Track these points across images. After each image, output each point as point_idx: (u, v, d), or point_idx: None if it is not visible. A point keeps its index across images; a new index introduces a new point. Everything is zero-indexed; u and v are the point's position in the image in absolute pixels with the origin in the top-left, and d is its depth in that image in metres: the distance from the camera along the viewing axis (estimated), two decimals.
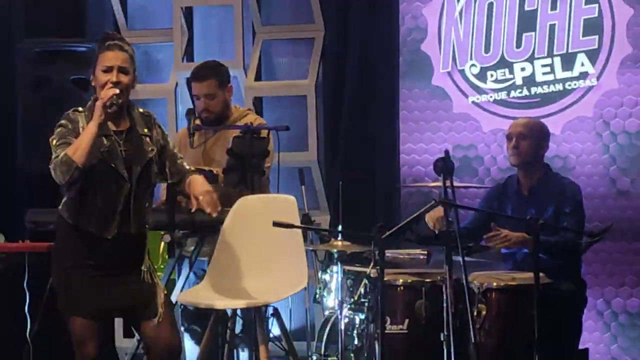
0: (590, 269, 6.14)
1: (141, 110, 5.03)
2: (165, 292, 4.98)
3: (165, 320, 4.79)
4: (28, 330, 6.56)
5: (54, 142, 4.73)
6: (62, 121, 4.80)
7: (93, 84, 4.86)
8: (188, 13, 7.56)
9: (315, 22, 7.17)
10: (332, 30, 7.18)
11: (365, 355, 5.66)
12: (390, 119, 6.81)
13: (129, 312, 4.89)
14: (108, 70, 4.74)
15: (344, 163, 7.14)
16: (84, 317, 4.72)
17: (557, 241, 5.52)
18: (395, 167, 6.81)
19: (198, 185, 4.94)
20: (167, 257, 6.00)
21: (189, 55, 7.59)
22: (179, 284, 5.99)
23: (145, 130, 4.89)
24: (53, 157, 4.69)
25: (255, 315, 5.32)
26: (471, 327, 4.99)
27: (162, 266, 5.67)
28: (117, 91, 4.71)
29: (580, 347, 5.98)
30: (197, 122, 6.12)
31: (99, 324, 4.79)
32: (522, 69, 6.45)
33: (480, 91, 6.54)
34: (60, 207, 4.85)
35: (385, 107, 6.88)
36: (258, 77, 7.36)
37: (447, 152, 5.09)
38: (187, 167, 5.01)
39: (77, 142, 4.63)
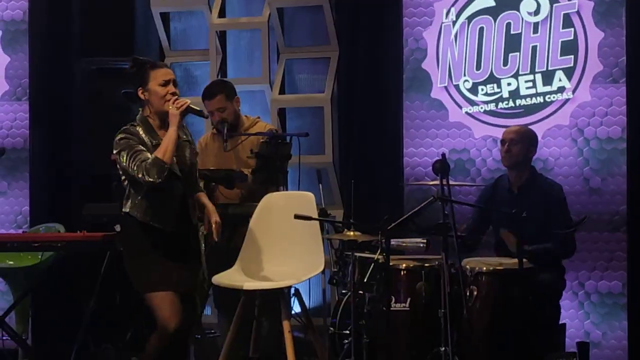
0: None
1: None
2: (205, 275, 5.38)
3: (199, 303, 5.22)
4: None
5: (127, 153, 4.90)
6: (123, 135, 4.99)
7: (144, 97, 5.04)
8: (222, 36, 7.75)
9: (331, 43, 7.35)
10: (345, 51, 7.34)
11: (374, 329, 5.81)
12: (395, 127, 7.01)
13: (186, 292, 5.09)
14: (165, 84, 4.98)
15: (355, 164, 7.28)
16: (163, 291, 4.92)
17: (547, 248, 5.83)
18: (400, 168, 6.98)
19: (212, 214, 5.18)
20: (203, 246, 5.84)
21: (222, 72, 7.70)
22: None
23: (184, 137, 5.13)
24: (134, 163, 4.87)
25: (280, 295, 5.51)
26: (464, 305, 5.34)
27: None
28: (189, 100, 5.01)
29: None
30: (212, 132, 6.36)
31: (175, 298, 4.95)
32: (508, 84, 6.69)
33: (472, 103, 6.77)
34: (127, 207, 5.03)
35: (391, 116, 7.07)
36: (282, 91, 7.52)
37: (443, 155, 5.36)
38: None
39: (163, 146, 4.86)
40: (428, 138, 6.96)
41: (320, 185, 7.00)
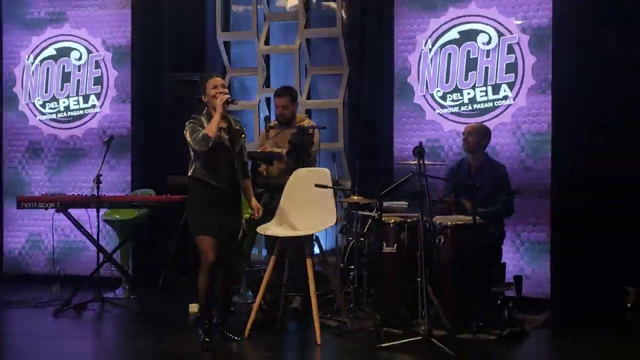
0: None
1: (233, 117, 5.44)
2: (243, 224, 5.47)
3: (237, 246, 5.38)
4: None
5: (189, 131, 5.17)
6: (192, 121, 5.25)
7: (205, 100, 5.29)
8: (266, 57, 7.80)
9: (343, 64, 7.42)
10: (354, 69, 7.40)
11: (371, 265, 6.01)
12: (389, 123, 7.01)
13: (225, 237, 5.26)
14: (215, 87, 5.17)
15: (360, 150, 7.31)
16: (206, 235, 5.14)
17: (494, 210, 5.88)
18: (391, 152, 7.02)
19: (254, 200, 5.51)
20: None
21: (266, 84, 7.77)
22: None
23: (238, 127, 5.33)
24: (192, 138, 5.13)
25: (304, 240, 5.56)
26: (434, 249, 5.55)
27: (249, 211, 5.74)
28: (229, 95, 5.23)
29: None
30: (274, 123, 6.27)
31: (214, 241, 5.14)
32: (468, 93, 6.72)
33: (442, 107, 6.79)
34: (190, 171, 5.24)
35: (386, 116, 7.06)
36: (308, 97, 7.61)
37: (420, 143, 5.51)
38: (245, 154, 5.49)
39: (209, 126, 5.12)
40: (411, 131, 6.99)
41: (334, 163, 7.02)
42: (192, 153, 5.26)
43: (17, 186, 8.08)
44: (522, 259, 6.67)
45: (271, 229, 5.65)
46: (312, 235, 5.66)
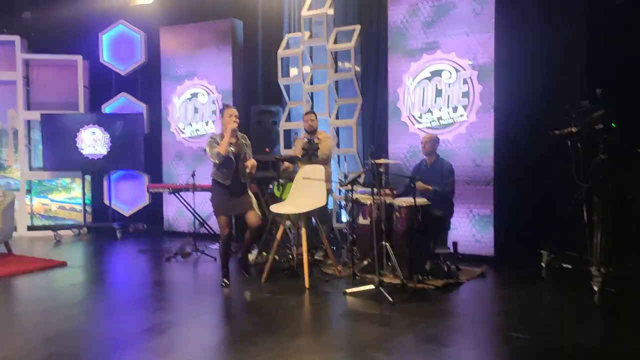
0: (463, 197, 5.72)
1: (241, 134, 4.89)
2: (255, 200, 4.90)
3: (254, 212, 4.79)
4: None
5: (209, 147, 4.73)
6: (211, 138, 4.78)
7: (222, 122, 4.78)
8: (311, 93, 7.20)
9: (357, 96, 6.75)
10: (365, 99, 6.79)
11: (354, 232, 5.36)
12: (386, 135, 6.37)
13: (242, 211, 4.82)
14: (230, 116, 4.70)
15: (366, 154, 6.74)
16: (223, 215, 4.78)
17: (441, 190, 5.21)
18: (387, 154, 6.31)
19: (250, 162, 4.72)
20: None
21: (311, 109, 7.13)
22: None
23: (244, 141, 4.82)
24: (210, 152, 4.72)
25: (302, 216, 5.01)
26: (394, 221, 4.96)
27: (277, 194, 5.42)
28: (237, 124, 4.74)
29: (453, 232, 5.64)
30: (304, 134, 5.96)
31: (229, 219, 4.79)
32: (437, 113, 6.01)
33: (420, 123, 6.10)
34: (212, 175, 4.83)
35: (384, 130, 6.46)
36: (337, 117, 6.94)
37: (371, 147, 5.31)
38: (250, 156, 4.85)
39: (221, 145, 4.68)
40: (400, 140, 6.31)
41: (345, 162, 6.66)
42: (210, 161, 4.85)
43: None
44: (474, 227, 5.87)
45: (279, 207, 5.11)
46: (306, 212, 5.05)
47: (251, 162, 4.72)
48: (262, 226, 4.90)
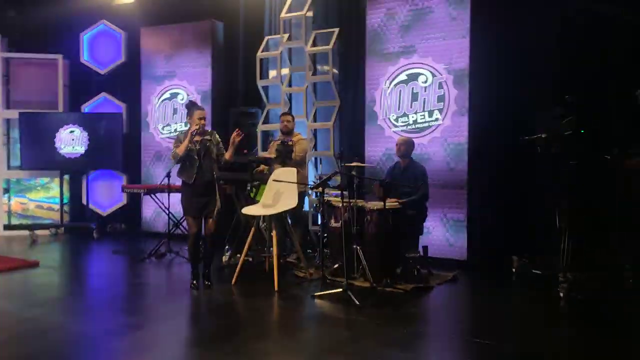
0: (436, 200, 5.65)
1: (212, 132, 4.83)
2: (219, 205, 4.75)
3: (212, 220, 4.70)
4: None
5: (174, 144, 4.71)
6: (177, 137, 4.76)
7: (188, 121, 4.73)
8: (289, 95, 7.06)
9: (336, 98, 6.56)
10: (342, 102, 6.59)
11: (327, 234, 5.35)
12: (362, 138, 6.33)
13: (204, 213, 4.72)
14: (201, 118, 4.68)
15: (342, 155, 6.26)
16: (190, 216, 4.72)
17: (415, 199, 5.19)
18: (364, 157, 6.26)
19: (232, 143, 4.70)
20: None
21: (290, 112, 6.94)
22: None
23: (209, 138, 4.73)
24: (173, 151, 4.70)
25: (273, 217, 4.99)
26: (364, 224, 4.92)
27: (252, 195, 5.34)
28: (199, 127, 4.65)
29: (427, 236, 5.65)
30: (279, 136, 5.88)
31: (196, 220, 4.72)
32: (412, 117, 5.98)
33: (396, 126, 6.07)
34: (177, 172, 4.78)
35: (360, 133, 6.38)
36: (314, 120, 6.84)
37: (341, 150, 5.28)
38: (223, 152, 4.78)
39: (181, 147, 4.64)
40: (376, 142, 6.28)
41: (321, 165, 6.59)
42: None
43: None
44: (448, 231, 5.83)
45: (252, 210, 5.04)
46: (282, 212, 5.03)
47: (235, 133, 4.71)
48: (216, 234, 4.82)
